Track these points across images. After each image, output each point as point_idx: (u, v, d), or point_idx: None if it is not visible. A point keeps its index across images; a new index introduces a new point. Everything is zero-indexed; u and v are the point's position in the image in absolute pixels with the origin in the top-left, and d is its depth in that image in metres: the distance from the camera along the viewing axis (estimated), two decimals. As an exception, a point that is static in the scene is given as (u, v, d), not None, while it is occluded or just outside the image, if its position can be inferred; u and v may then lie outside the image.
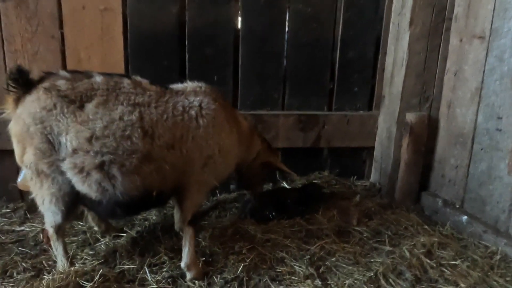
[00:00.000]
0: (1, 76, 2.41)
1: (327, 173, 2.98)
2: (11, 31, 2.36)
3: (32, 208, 2.54)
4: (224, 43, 2.63)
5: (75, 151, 1.61)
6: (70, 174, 1.64)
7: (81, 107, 1.63)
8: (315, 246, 2.04)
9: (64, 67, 2.45)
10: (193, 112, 1.80)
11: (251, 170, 2.27)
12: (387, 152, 2.78)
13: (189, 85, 1.93)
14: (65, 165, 1.62)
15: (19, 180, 1.98)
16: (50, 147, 1.61)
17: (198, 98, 1.85)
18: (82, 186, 1.65)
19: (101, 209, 1.73)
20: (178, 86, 1.93)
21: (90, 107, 1.63)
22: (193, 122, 1.79)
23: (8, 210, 2.52)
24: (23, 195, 2.62)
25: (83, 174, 1.63)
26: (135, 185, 1.67)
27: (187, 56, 2.61)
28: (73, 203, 1.74)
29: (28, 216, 2.47)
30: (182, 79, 2.61)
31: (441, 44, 2.54)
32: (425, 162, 2.69)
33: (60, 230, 1.81)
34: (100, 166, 1.62)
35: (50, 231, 1.81)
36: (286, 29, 2.71)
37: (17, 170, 2.58)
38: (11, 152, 2.55)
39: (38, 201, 1.75)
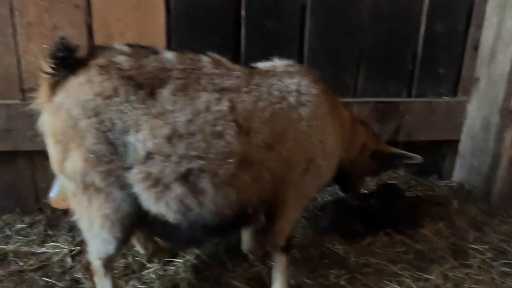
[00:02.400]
0: (10, 57, 1.88)
1: (402, 172, 2.51)
2: (23, -2, 1.82)
3: (54, 222, 2.05)
4: (288, 15, 2.11)
5: (150, 155, 1.11)
6: (138, 188, 1.14)
7: (152, 94, 1.13)
8: (436, 275, 1.58)
9: (91, 45, 1.92)
10: (292, 99, 1.30)
11: (358, 167, 1.77)
12: (482, 147, 2.30)
13: (277, 63, 1.42)
14: (133, 176, 1.13)
15: (53, 194, 1.46)
16: (110, 149, 1.11)
17: (295, 80, 1.34)
18: (155, 205, 1.16)
19: (178, 235, 1.24)
20: (264, 64, 1.43)
21: (165, 94, 1.14)
22: (294, 113, 1.30)
23: (24, 226, 2.00)
24: (42, 205, 2.11)
25: (159, 188, 1.13)
26: (229, 200, 1.19)
27: (243, 31, 2.08)
28: (133, 228, 1.25)
29: (49, 232, 1.96)
30: (236, 60, 2.13)
31: (562, 13, 2.05)
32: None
33: (110, 263, 1.33)
34: (185, 177, 1.13)
35: (97, 264, 1.32)
36: (364, -3, 2.19)
37: (33, 176, 2.09)
38: (25, 153, 2.10)
39: (83, 225, 1.25)
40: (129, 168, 1.11)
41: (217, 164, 1.13)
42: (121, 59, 1.15)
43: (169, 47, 2.01)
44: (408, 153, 1.83)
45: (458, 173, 2.49)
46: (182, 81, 1.16)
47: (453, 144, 2.51)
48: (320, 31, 2.17)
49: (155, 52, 1.21)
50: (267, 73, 1.34)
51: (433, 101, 2.36)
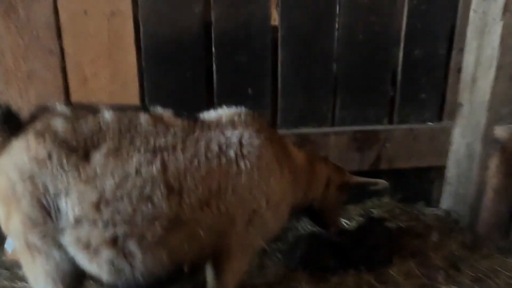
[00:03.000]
0: (-8, 102, 1.98)
1: (387, 199, 2.45)
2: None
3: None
4: (259, 47, 2.11)
5: (78, 220, 1.15)
6: (72, 250, 1.19)
7: (86, 157, 1.17)
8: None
9: (66, 87, 2.00)
10: (231, 153, 1.31)
11: (327, 203, 1.78)
12: (467, 175, 2.21)
13: (224, 113, 1.44)
14: (66, 239, 1.17)
15: (8, 248, 1.54)
16: (44, 213, 1.16)
17: (237, 132, 1.36)
18: (89, 266, 1.20)
19: None
20: (210, 115, 1.44)
21: (97, 157, 1.17)
22: (233, 167, 1.31)
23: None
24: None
25: (89, 251, 1.17)
26: (161, 261, 1.21)
27: (214, 65, 2.10)
28: (76, 284, 1.30)
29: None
30: (209, 94, 2.16)
31: (544, 36, 1.95)
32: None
33: None
34: (112, 241, 1.16)
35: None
36: (336, 25, 2.17)
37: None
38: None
39: (30, 280, 1.30)
40: (62, 231, 1.16)
41: (143, 228, 1.15)
42: (57, 123, 1.19)
43: (142, 86, 2.06)
44: (372, 180, 1.88)
45: (446, 201, 2.41)
46: (115, 143, 1.19)
47: (441, 170, 2.43)
48: (293, 62, 2.16)
49: (94, 112, 1.25)
50: (209, 126, 1.35)
51: (415, 128, 2.29)
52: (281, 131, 2.20)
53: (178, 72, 2.09)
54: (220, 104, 2.14)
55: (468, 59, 2.16)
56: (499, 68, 1.97)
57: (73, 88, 2.00)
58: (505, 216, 2.15)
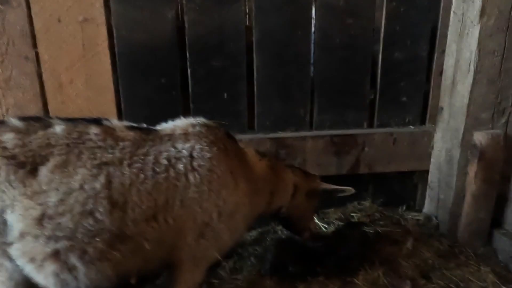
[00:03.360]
0: (-27, 108, 2.04)
1: (368, 203, 2.43)
2: (-23, 55, 1.97)
3: None
4: (234, 52, 2.10)
5: (22, 235, 1.18)
6: (20, 263, 1.22)
7: (34, 171, 1.19)
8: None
9: (43, 94, 2.03)
10: (181, 166, 1.32)
11: (296, 210, 1.80)
12: (447, 180, 2.17)
13: (179, 124, 1.44)
14: (13, 252, 1.20)
15: None
16: None
17: (189, 145, 1.36)
18: (37, 278, 1.23)
19: None
20: (166, 127, 1.45)
21: (44, 172, 1.19)
22: (181, 180, 1.31)
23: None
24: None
25: (35, 264, 1.20)
26: (105, 274, 1.23)
27: (189, 70, 2.11)
28: None
29: None
30: (185, 99, 2.17)
31: (525, 39, 1.88)
32: (500, 191, 2.07)
33: None
34: (55, 255, 1.19)
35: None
36: (313, 28, 2.13)
37: None
38: None
39: None
40: (10, 244, 1.19)
41: (86, 243, 1.18)
42: (7, 137, 1.22)
43: (118, 91, 2.09)
44: (339, 187, 1.87)
45: (428, 205, 2.37)
46: (62, 158, 1.21)
47: (425, 174, 2.39)
48: (269, 66, 2.14)
49: (46, 125, 1.28)
50: (161, 138, 1.36)
51: (396, 131, 2.25)
52: (258, 136, 2.20)
53: (153, 78, 2.10)
54: (196, 110, 2.17)
55: (448, 62, 2.10)
56: (477, 72, 1.91)
57: (50, 94, 2.04)
58: (485, 223, 2.10)
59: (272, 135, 2.21)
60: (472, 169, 2.01)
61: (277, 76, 2.17)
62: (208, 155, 1.36)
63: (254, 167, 1.53)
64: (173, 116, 2.14)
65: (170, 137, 1.38)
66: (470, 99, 1.95)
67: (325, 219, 2.35)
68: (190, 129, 1.41)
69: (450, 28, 2.06)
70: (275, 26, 2.10)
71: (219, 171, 1.37)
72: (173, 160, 1.32)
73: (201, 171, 1.33)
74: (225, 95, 2.15)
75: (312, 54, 2.17)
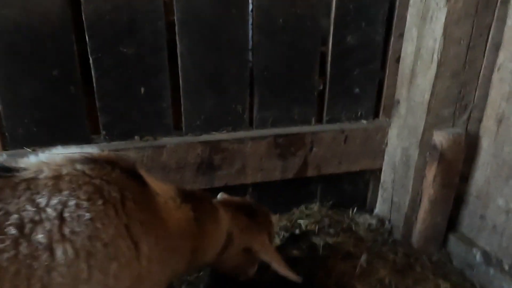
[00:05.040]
0: None
1: (317, 206, 2.16)
2: None
3: None
4: (150, 35, 1.63)
5: None
6: None
7: None
8: None
9: None
10: (41, 236, 0.87)
11: (228, 263, 1.41)
12: (403, 182, 1.94)
13: (50, 160, 0.98)
14: None
15: None
16: None
17: (58, 199, 0.90)
18: None
19: None
20: (28, 164, 0.96)
21: None
22: (41, 258, 0.86)
23: None
24: None
25: None
26: None
27: (91, 59, 1.61)
28: None
29: None
30: (89, 97, 1.68)
31: (492, 26, 1.63)
32: (456, 192, 1.89)
33: None
34: None
35: None
36: (250, 6, 1.72)
37: None
38: None
39: None
40: None
41: None
42: None
43: (-9, 87, 1.55)
44: (288, 272, 1.40)
45: (381, 207, 2.15)
46: None
47: (377, 172, 2.15)
48: (197, 53, 1.71)
49: None
50: (15, 187, 0.89)
51: (347, 128, 1.96)
52: (187, 139, 1.79)
53: (41, 69, 1.58)
54: (105, 110, 1.69)
55: (407, 49, 1.81)
56: (441, 63, 1.64)
57: None
58: (441, 227, 1.93)
59: (204, 137, 1.81)
60: (431, 172, 1.79)
61: (208, 65, 1.74)
62: (87, 215, 0.91)
63: (169, 219, 1.12)
64: (75, 119, 1.70)
65: (30, 184, 0.90)
66: (432, 94, 1.69)
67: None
68: (66, 170, 0.95)
69: (410, 9, 1.76)
70: (202, 2, 1.65)
71: (106, 236, 0.93)
72: (28, 227, 0.86)
73: (77, 240, 0.90)
74: (142, 89, 1.70)
75: (250, 38, 1.77)
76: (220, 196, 1.62)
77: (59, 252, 0.87)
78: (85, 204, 0.91)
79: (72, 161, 0.97)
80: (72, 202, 0.90)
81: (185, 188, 1.31)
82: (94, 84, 1.64)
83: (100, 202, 0.93)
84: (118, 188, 0.98)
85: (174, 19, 1.65)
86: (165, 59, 1.68)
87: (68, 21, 1.54)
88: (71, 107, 1.65)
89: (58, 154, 1.00)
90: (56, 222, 0.88)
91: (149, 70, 1.68)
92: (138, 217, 1.02)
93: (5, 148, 1.65)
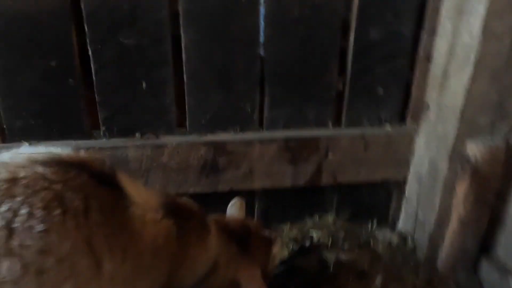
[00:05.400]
0: None
1: (332, 217, 1.97)
2: None
3: None
4: (152, 25, 1.52)
5: None
6: None
7: None
8: None
9: None
10: None
11: None
12: (429, 197, 1.73)
13: (12, 161, 0.87)
14: None
15: None
16: None
17: (9, 205, 0.78)
18: None
19: None
20: None
21: None
22: None
23: None
24: None
25: None
26: None
27: (90, 50, 1.52)
28: None
29: None
30: (88, 89, 1.60)
31: (544, 20, 1.38)
32: (492, 212, 1.65)
33: None
34: None
35: None
36: (262, -3, 1.57)
37: None
38: None
39: None
40: None
41: None
42: None
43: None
44: None
45: (403, 222, 1.94)
46: None
47: (401, 184, 1.93)
48: (202, 45, 1.58)
49: None
50: None
51: (368, 133, 1.76)
52: (190, 139, 1.67)
53: (39, 60, 1.50)
54: (104, 104, 1.60)
55: (440, 46, 1.59)
56: (479, 62, 1.42)
57: None
58: (472, 251, 1.70)
59: (208, 137, 1.68)
60: (462, 187, 1.57)
61: (215, 59, 1.61)
62: (41, 226, 0.78)
63: (143, 234, 0.97)
64: (74, 113, 1.62)
65: None
66: (466, 98, 1.47)
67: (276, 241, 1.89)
68: (24, 172, 0.83)
69: (444, 1, 1.54)
70: (210, -9, 1.52)
71: (61, 251, 0.80)
72: None
73: (26, 255, 0.78)
74: (144, 84, 1.59)
75: (261, 30, 1.61)
76: (233, 203, 1.47)
77: (4, 268, 0.76)
78: (39, 213, 0.79)
79: (34, 162, 0.86)
80: (24, 210, 0.78)
81: (176, 200, 1.17)
82: (94, 77, 1.55)
83: (58, 211, 0.81)
84: (83, 196, 0.86)
85: (178, 8, 1.52)
86: (169, 51, 1.56)
87: (67, 9, 1.45)
88: (69, 100, 1.57)
89: (23, 153, 0.90)
90: (3, 233, 0.77)
91: (152, 63, 1.56)
92: (104, 230, 0.89)
93: (4, 141, 1.60)
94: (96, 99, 1.58)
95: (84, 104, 1.59)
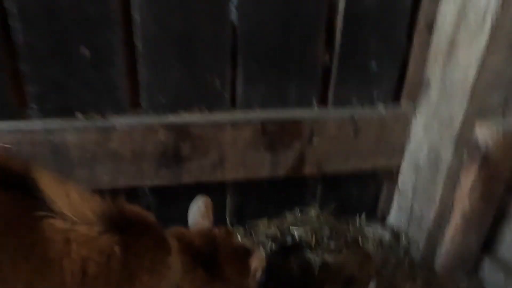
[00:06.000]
0: None
1: (315, 211, 1.72)
2: None
3: None
4: (94, -25, 1.19)
5: None
6: None
7: None
8: None
9: None
10: None
11: None
12: (428, 189, 1.50)
13: None
14: None
15: None
16: None
17: None
18: None
19: None
20: None
21: None
22: None
23: None
24: None
25: None
26: None
27: (13, 8, 1.17)
28: None
29: None
30: (12, 59, 1.25)
31: None
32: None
33: None
34: None
35: None
36: None
37: None
38: None
39: None
40: None
41: None
42: None
43: None
44: None
45: (396, 216, 1.71)
46: None
47: (393, 172, 1.70)
48: (160, 7, 1.26)
49: None
50: None
51: (359, 115, 1.51)
52: (146, 120, 1.36)
53: None
54: (35, 78, 1.27)
55: (447, 11, 1.33)
56: (496, 29, 1.17)
57: None
58: (474, 248, 1.49)
59: (169, 118, 1.38)
60: (469, 178, 1.34)
61: (176, 25, 1.29)
62: None
63: (65, 255, 0.68)
64: None
65: None
66: (479, 71, 1.23)
67: (252, 236, 1.63)
68: None
69: (453, -45, 1.28)
70: None
71: None
72: None
73: None
74: (85, 51, 1.26)
75: (234, -11, 1.31)
76: (195, 203, 1.17)
77: None
78: None
79: None
80: None
81: (123, 209, 0.86)
82: (16, 41, 1.21)
83: None
84: None
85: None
86: (115, 9, 1.23)
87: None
88: (-14, 70, 1.23)
89: None
90: None
91: (92, 23, 1.23)
92: (2, 250, 0.59)
93: None
94: (22, 72, 1.24)
95: (8, 76, 1.25)
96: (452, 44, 1.31)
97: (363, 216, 1.76)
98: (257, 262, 1.06)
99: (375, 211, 1.79)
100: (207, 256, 1.02)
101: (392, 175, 1.71)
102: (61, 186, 0.76)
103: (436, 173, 1.44)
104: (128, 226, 0.82)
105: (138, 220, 0.87)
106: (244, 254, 1.08)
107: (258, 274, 1.08)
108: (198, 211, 1.13)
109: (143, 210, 0.89)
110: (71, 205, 0.74)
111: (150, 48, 1.30)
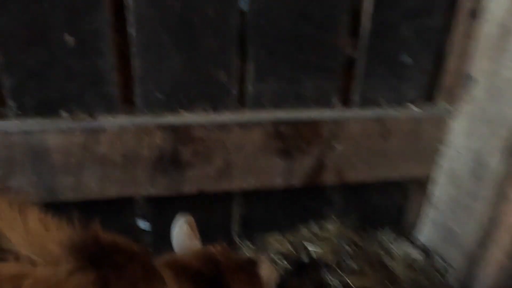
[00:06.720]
0: None
1: (333, 225, 1.52)
2: None
3: None
4: None
5: None
6: None
7: None
8: None
9: None
10: None
11: None
12: (468, 203, 1.28)
13: None
14: None
15: None
16: None
17: None
18: None
19: None
20: None
21: None
22: None
23: None
24: None
25: None
26: None
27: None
28: None
29: None
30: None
31: None
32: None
33: None
34: None
35: None
36: None
37: None
38: None
39: None
40: None
41: None
42: None
43: None
44: None
45: (427, 232, 1.49)
46: None
47: (424, 183, 1.48)
48: (156, -16, 1.07)
49: None
50: None
51: (387, 117, 1.30)
52: (140, 120, 1.18)
53: None
54: (9, 69, 1.09)
55: (497, -8, 1.12)
56: None
57: None
58: (524, 275, 1.27)
59: (167, 118, 1.19)
60: (521, 192, 1.12)
61: (174, 7, 1.11)
62: None
63: None
64: None
65: None
66: (539, 65, 1.01)
67: (264, 256, 1.43)
68: None
69: None
70: None
71: None
72: None
73: None
74: (69, 38, 1.08)
75: (242, -35, 1.12)
76: (177, 226, 0.98)
77: None
78: None
79: None
80: None
81: (99, 238, 0.66)
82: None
83: None
84: None
85: None
86: (105, -10, 1.05)
87: None
88: (-46, 61, 1.06)
89: None
90: None
91: (76, 6, 1.05)
92: None
93: None
94: (-3, 60, 1.07)
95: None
96: (504, 34, 1.09)
97: (388, 231, 1.54)
98: (267, 270, 0.88)
99: (401, 226, 1.58)
100: (211, 277, 0.83)
101: (421, 184, 1.49)
102: (16, 214, 0.58)
103: (479, 184, 1.22)
104: (106, 259, 0.63)
105: (118, 249, 0.67)
106: (250, 265, 0.90)
107: (271, 283, 0.90)
108: (182, 233, 0.95)
109: (123, 237, 0.69)
110: (30, 239, 0.56)
111: (144, 35, 1.11)
